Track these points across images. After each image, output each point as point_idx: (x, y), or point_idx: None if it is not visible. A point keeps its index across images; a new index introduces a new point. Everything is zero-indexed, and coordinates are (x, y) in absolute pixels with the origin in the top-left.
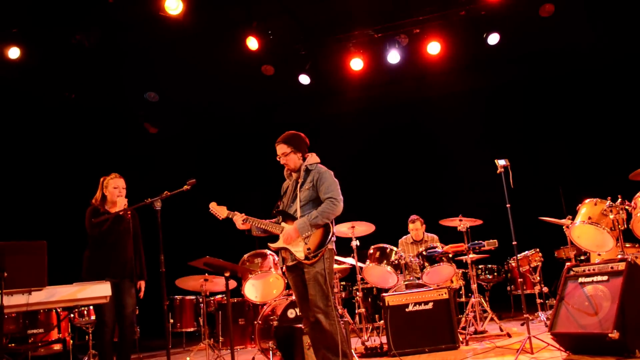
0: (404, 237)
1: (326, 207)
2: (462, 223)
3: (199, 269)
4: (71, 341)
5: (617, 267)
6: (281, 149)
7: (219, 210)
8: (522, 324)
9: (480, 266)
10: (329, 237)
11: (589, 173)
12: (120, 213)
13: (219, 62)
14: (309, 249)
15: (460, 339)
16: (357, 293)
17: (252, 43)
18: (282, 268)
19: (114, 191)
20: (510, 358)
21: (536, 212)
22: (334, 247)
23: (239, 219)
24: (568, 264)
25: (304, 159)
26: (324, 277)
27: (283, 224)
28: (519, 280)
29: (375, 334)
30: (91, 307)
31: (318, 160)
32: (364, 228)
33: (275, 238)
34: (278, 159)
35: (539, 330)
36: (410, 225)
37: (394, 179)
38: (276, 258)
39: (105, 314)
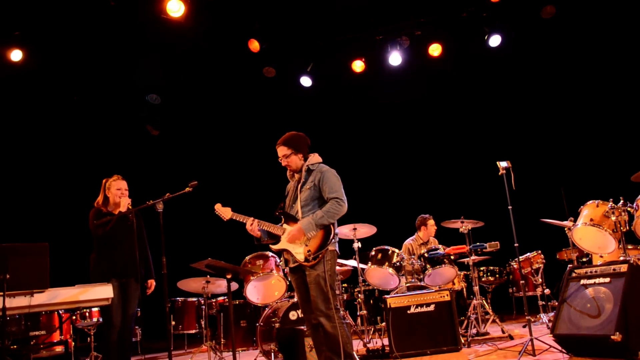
0: (410, 240)
1: (331, 207)
2: (463, 225)
3: (201, 270)
4: (73, 343)
5: (619, 268)
6: (281, 150)
7: (224, 212)
8: (524, 326)
9: (482, 268)
10: (330, 238)
11: (591, 175)
12: (124, 212)
13: (220, 64)
14: (309, 251)
15: (462, 341)
16: (359, 295)
17: (254, 45)
18: (283, 270)
19: (117, 192)
20: None
21: (538, 213)
22: (336, 249)
23: (246, 221)
24: (570, 265)
25: (306, 159)
26: (324, 279)
27: (285, 225)
28: (521, 282)
29: (377, 336)
30: (93, 309)
31: (320, 160)
32: (366, 230)
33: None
34: (280, 161)
35: (541, 332)
36: (430, 222)
37: (395, 180)
38: (278, 260)
39: (113, 315)
